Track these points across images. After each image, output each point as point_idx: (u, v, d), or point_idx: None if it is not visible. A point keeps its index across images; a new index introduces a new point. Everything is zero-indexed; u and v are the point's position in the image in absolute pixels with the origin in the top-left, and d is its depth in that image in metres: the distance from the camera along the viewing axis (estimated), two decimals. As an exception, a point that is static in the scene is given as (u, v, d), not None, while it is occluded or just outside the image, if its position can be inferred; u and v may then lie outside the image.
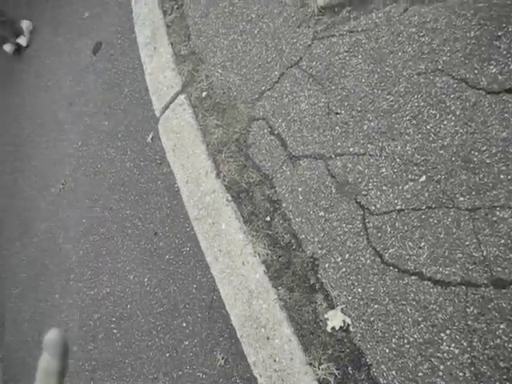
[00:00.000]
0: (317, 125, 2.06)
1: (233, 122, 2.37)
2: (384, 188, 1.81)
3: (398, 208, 1.75)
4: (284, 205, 2.04)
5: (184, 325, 2.25)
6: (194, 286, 2.27)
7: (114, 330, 2.53)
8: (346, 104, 2.01)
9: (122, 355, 2.45)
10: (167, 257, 2.44)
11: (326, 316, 1.77)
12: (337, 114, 2.04)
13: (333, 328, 1.74)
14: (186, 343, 2.21)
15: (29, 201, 3.52)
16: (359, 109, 1.96)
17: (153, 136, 2.77)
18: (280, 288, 1.88)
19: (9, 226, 3.61)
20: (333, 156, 1.98)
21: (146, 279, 2.49)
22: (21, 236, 3.46)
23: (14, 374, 3.05)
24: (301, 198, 2.00)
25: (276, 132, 2.20)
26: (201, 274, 2.27)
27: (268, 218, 2.06)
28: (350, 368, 1.69)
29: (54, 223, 3.23)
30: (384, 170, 1.83)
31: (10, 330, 3.20)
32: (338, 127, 2.01)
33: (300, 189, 2.02)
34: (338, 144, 1.98)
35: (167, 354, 2.27)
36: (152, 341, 2.34)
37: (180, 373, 2.19)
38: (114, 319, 2.56)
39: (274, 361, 1.77)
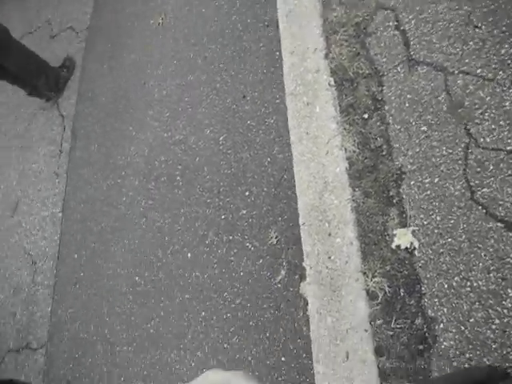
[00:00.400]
0: (449, 33, 1.85)
1: (358, 4, 2.17)
2: (501, 123, 1.65)
3: (508, 149, 1.60)
4: (387, 107, 1.91)
5: (247, 194, 2.24)
6: (268, 159, 2.23)
7: (178, 178, 2.56)
8: (489, 19, 1.78)
9: (178, 203, 2.49)
10: (249, 122, 2.38)
11: (394, 232, 1.71)
12: (476, 27, 1.82)
13: (398, 246, 1.68)
14: (244, 212, 2.22)
15: (125, 27, 3.46)
16: (504, 29, 1.74)
17: (268, -6, 2.60)
18: (357, 189, 1.81)
19: (101, 45, 3.59)
20: (456, 72, 1.80)
21: (221, 138, 2.46)
22: (109, 60, 3.45)
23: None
24: (407, 105, 1.86)
25: (402, 28, 2.00)
26: (278, 150, 2.21)
27: (366, 116, 1.94)
28: (401, 290, 1.65)
29: (144, 56, 3.18)
30: (508, 105, 1.65)
31: (79, 145, 3.31)
32: (472, 42, 1.80)
33: (409, 96, 1.86)
34: (466, 61, 1.78)
35: (222, 217, 2.29)
36: (211, 199, 2.36)
37: (230, 237, 2.22)
38: (179, 167, 2.58)
39: (329, 258, 1.75)
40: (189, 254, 2.35)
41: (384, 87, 1.93)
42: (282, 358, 1.92)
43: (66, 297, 2.90)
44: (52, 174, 3.37)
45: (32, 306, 3.07)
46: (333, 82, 2.03)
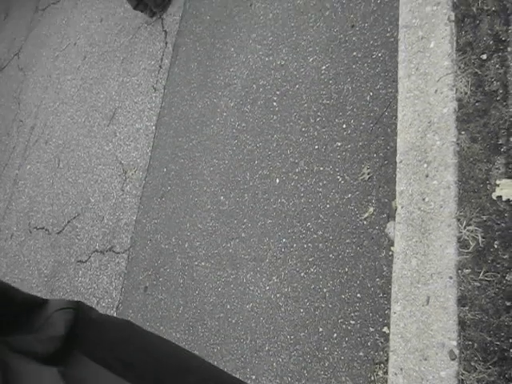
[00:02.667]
0: None
1: None
2: None
3: None
4: (510, 49, 1.78)
5: (344, 126, 2.20)
6: (371, 93, 2.16)
7: (274, 103, 2.55)
8: None
9: (273, 129, 2.49)
10: (355, 53, 2.31)
11: (497, 182, 1.63)
12: None
13: (499, 197, 1.61)
14: (339, 144, 2.19)
15: None
16: None
17: None
18: (463, 133, 1.73)
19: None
20: None
21: (324, 67, 2.41)
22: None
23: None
24: (533, 48, 1.72)
25: (540, -38, 1.84)
26: (383, 84, 2.14)
27: (484, 56, 1.82)
28: (496, 242, 1.59)
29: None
30: None
31: (179, 62, 3.35)
32: None
33: (537, 38, 1.73)
34: None
35: (316, 147, 2.27)
36: (307, 128, 2.34)
37: (321, 168, 2.21)
38: (278, 92, 2.56)
39: (423, 200, 1.71)
40: (277, 180, 2.37)
41: (510, 27, 1.80)
42: (358, 295, 1.93)
43: (151, 208, 3.02)
44: (150, 88, 3.45)
45: (119, 213, 3.23)
46: (453, 17, 1.91)
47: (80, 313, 0.78)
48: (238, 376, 2.16)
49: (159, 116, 3.26)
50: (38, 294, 2.83)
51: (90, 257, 3.30)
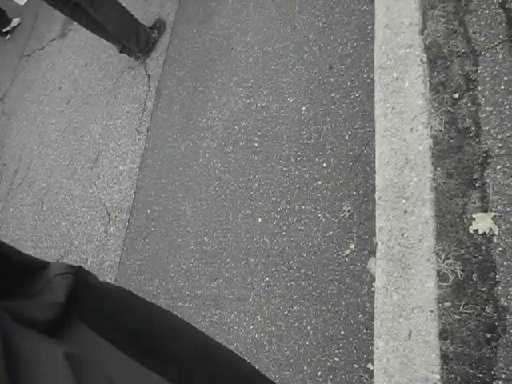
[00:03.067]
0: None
1: (460, -21, 2.11)
2: None
3: None
4: (480, 88, 1.85)
5: (324, 165, 2.24)
6: (349, 132, 2.22)
7: (256, 144, 2.60)
8: None
9: (254, 169, 2.53)
10: (333, 94, 2.38)
11: (473, 216, 1.67)
12: None
13: (475, 230, 1.65)
14: (320, 183, 2.23)
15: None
16: None
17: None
18: (439, 169, 1.78)
19: (192, 9, 3.66)
20: (561, 56, 1.72)
21: (303, 108, 2.47)
22: (199, 24, 3.51)
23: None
24: (502, 87, 1.80)
25: (507, 6, 1.93)
26: (361, 124, 2.20)
27: (456, 95, 1.89)
28: (474, 275, 1.62)
29: (234, 22, 3.22)
30: None
31: (162, 105, 3.41)
32: None
33: (506, 78, 1.80)
34: None
35: (297, 185, 2.31)
36: (288, 167, 2.38)
37: (302, 207, 2.24)
38: (259, 133, 2.61)
39: (402, 235, 1.74)
40: (259, 219, 2.40)
41: (479, 67, 1.87)
42: (342, 332, 1.94)
43: (135, 249, 3.02)
44: (133, 131, 3.49)
45: (102, 255, 3.22)
46: (425, 59, 1.99)
47: (80, 278, 0.77)
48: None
49: (142, 158, 3.29)
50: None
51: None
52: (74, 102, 4.34)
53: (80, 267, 0.79)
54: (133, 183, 3.28)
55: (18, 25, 5.98)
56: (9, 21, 5.93)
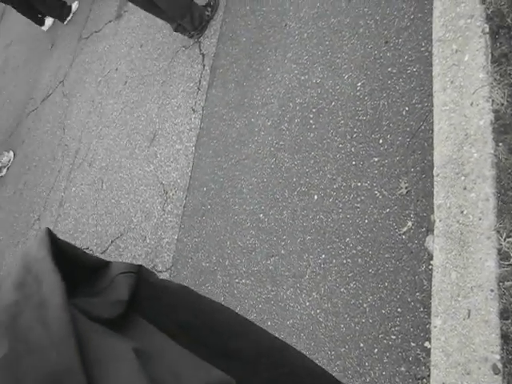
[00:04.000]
0: None
1: None
2: None
3: None
4: (546, 59, 1.78)
5: (381, 141, 2.22)
6: (406, 108, 2.18)
7: (311, 121, 2.59)
8: None
9: (310, 146, 2.54)
10: (389, 69, 2.34)
11: (537, 192, 1.62)
12: None
13: (539, 207, 1.61)
14: (376, 159, 2.21)
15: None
16: None
17: None
18: (500, 144, 1.73)
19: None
20: None
21: (359, 84, 2.44)
22: (252, 1, 3.50)
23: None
24: None
25: None
26: (418, 99, 2.16)
27: (520, 67, 1.82)
28: (538, 253, 1.58)
29: (288, -3, 3.20)
30: None
31: (216, 83, 3.44)
32: None
33: None
34: None
35: (353, 163, 2.30)
36: (344, 144, 2.37)
37: (359, 184, 2.23)
38: (314, 110, 2.61)
39: (461, 212, 1.71)
40: (315, 197, 2.40)
41: (546, 37, 1.80)
42: (398, 309, 1.93)
43: (192, 227, 3.09)
44: (189, 110, 3.54)
45: (161, 232, 3.31)
46: (487, 29, 1.93)
47: (141, 277, 0.81)
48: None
49: (198, 136, 3.34)
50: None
51: (133, 276, 3.38)
52: (130, 82, 4.43)
53: (141, 266, 0.83)
54: (189, 161, 3.34)
55: (77, 9, 6.12)
56: (69, 9, 6.08)
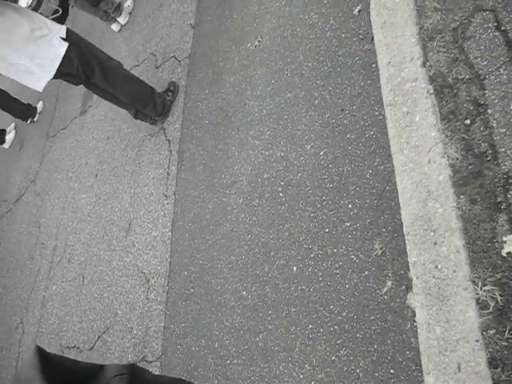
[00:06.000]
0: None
1: (454, 8, 2.16)
2: None
3: None
4: (490, 111, 1.88)
5: (350, 206, 2.28)
6: (370, 171, 2.26)
7: (281, 194, 2.65)
8: None
9: (283, 219, 2.58)
10: (348, 136, 2.43)
11: (504, 239, 1.68)
12: None
13: (508, 253, 1.65)
14: (348, 224, 2.26)
15: (224, 52, 3.64)
16: None
17: (361, 9, 2.65)
18: (462, 197, 1.80)
19: (202, 71, 3.79)
20: None
21: (321, 152, 2.52)
22: (210, 84, 3.64)
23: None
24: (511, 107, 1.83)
25: (503, 28, 1.98)
26: (379, 161, 2.24)
27: (468, 121, 1.92)
28: (515, 298, 1.61)
29: (243, 78, 3.33)
30: None
31: (185, 167, 3.51)
32: None
33: (514, 98, 1.83)
34: None
35: (326, 230, 2.34)
36: (315, 213, 2.42)
37: (334, 250, 2.27)
38: (282, 183, 2.67)
39: (436, 267, 1.75)
40: (294, 268, 2.43)
41: (486, 91, 1.91)
42: (391, 371, 1.93)
43: (177, 312, 3.07)
44: (161, 196, 3.59)
45: (147, 321, 3.28)
46: (432, 90, 2.04)
47: (135, 376, 0.81)
48: None
49: (173, 221, 3.38)
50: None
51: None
52: (101, 175, 4.49)
53: (133, 365, 0.85)
54: (167, 247, 3.35)
55: (42, 108, 6.26)
56: (34, 110, 6.22)
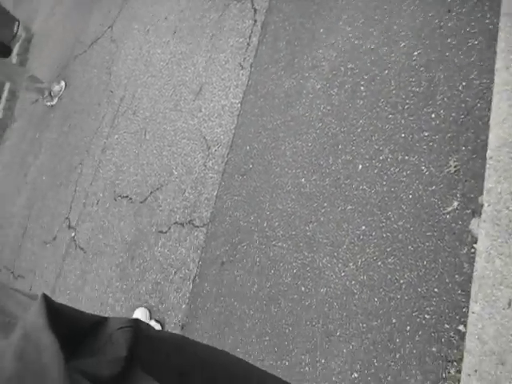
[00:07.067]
0: None
1: None
2: None
3: None
4: None
5: (433, 116, 2.16)
6: (463, 83, 2.11)
7: (362, 88, 2.54)
8: None
9: (359, 114, 2.49)
10: (449, 40, 2.25)
11: None
12: None
13: None
14: (426, 134, 2.16)
15: None
16: None
17: None
18: (562, 131, 1.66)
19: None
20: None
21: (415, 53, 2.36)
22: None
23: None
24: None
25: None
26: (477, 74, 2.08)
27: None
28: None
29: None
30: None
31: (267, 40, 3.37)
32: None
33: None
34: None
35: (402, 135, 2.25)
36: (394, 115, 2.32)
37: (406, 158, 2.19)
38: (366, 77, 2.54)
39: (513, 199, 1.67)
40: (359, 166, 2.37)
41: None
42: (435, 289, 1.92)
43: (232, 185, 3.10)
44: (237, 66, 3.50)
45: (200, 187, 3.34)
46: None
47: (138, 330, 0.84)
48: (306, 359, 2.22)
49: (245, 94, 3.31)
50: (120, 261, 3.01)
51: (170, 228, 3.44)
52: (179, 32, 4.39)
53: (137, 320, 0.86)
54: (234, 118, 3.32)
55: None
56: None
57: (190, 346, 0.97)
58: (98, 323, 0.84)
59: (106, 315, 2.84)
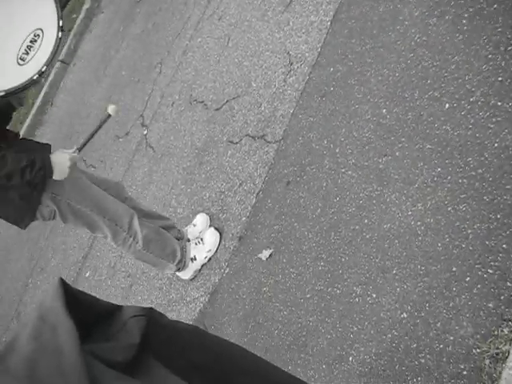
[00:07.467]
0: None
1: None
2: None
3: None
4: None
5: None
6: None
7: (464, 21, 2.34)
8: None
9: (455, 49, 2.34)
10: None
11: None
12: None
13: None
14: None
15: None
16: None
17: None
18: None
19: None
20: None
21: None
22: None
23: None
24: None
25: None
26: None
27: None
28: None
29: None
30: None
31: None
32: None
33: None
34: None
35: (499, 78, 2.09)
36: (494, 55, 2.14)
37: (499, 103, 2.06)
38: (471, 10, 2.33)
39: None
40: (446, 105, 2.26)
41: None
42: (504, 246, 1.85)
43: (310, 105, 3.04)
44: (332, -19, 3.34)
45: (277, 103, 3.30)
46: None
47: (152, 319, 0.87)
48: (358, 291, 2.23)
49: (336, 12, 3.17)
50: (187, 165, 3.06)
51: (241, 140, 3.44)
52: None
53: (151, 309, 0.87)
54: (321, 37, 3.20)
55: None
56: None
57: (205, 339, 1.01)
58: (113, 310, 0.88)
59: (168, 216, 2.93)
